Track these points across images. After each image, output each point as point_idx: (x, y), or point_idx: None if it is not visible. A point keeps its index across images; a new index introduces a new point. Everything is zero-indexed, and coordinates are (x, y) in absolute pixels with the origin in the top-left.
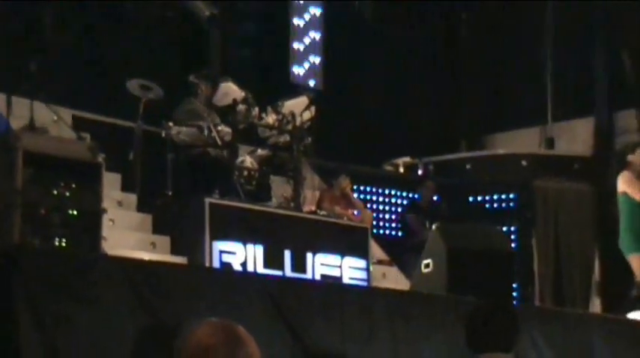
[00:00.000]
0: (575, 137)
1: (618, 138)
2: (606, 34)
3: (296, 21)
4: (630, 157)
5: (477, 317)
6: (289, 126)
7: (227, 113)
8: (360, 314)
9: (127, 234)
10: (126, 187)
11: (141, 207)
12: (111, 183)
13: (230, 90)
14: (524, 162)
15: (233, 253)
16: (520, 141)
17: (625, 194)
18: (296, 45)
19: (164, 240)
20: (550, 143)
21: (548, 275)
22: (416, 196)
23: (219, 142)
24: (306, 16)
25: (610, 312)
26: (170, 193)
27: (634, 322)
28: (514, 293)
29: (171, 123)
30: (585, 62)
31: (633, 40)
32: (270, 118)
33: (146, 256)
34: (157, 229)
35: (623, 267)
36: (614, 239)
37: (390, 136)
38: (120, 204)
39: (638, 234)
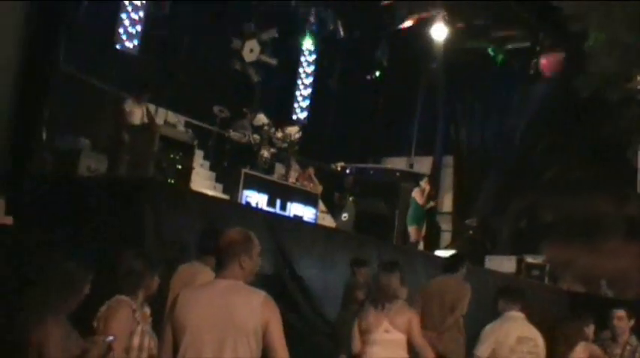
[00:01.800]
0: (424, 165)
1: (443, 169)
2: (445, 114)
3: (298, 93)
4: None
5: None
6: (287, 140)
7: (258, 129)
8: (311, 236)
9: (203, 181)
10: (205, 157)
11: (211, 168)
12: (198, 155)
13: (262, 118)
14: (397, 174)
15: (251, 197)
16: (397, 163)
17: (414, 199)
18: (297, 102)
19: (220, 186)
20: (411, 166)
21: (400, 229)
22: (342, 182)
23: (252, 143)
24: (304, 92)
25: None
26: (226, 164)
27: (436, 255)
28: (383, 236)
29: (231, 130)
30: (434, 126)
31: (457, 120)
32: (279, 134)
33: (210, 193)
34: (217, 180)
35: (435, 229)
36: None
37: (336, 149)
38: (201, 165)
39: (413, 216)
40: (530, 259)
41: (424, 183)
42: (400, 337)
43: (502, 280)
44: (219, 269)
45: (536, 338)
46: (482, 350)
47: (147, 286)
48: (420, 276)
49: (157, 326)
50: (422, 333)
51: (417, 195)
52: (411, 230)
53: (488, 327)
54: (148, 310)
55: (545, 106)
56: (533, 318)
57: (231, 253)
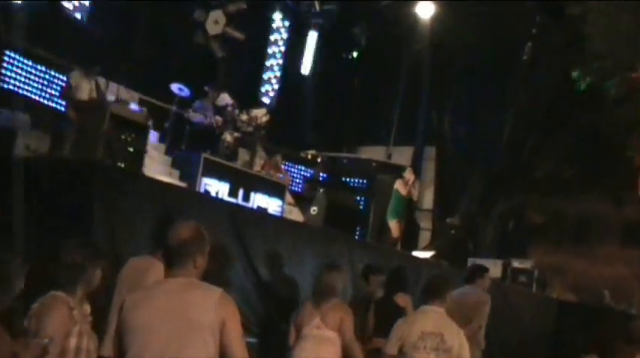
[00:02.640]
0: (403, 156)
1: (424, 161)
2: (428, 101)
3: (265, 76)
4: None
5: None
6: (253, 123)
7: (222, 110)
8: (276, 230)
9: (157, 166)
10: (160, 140)
11: (167, 152)
12: (153, 137)
13: (225, 98)
14: (374, 164)
15: (211, 185)
16: (374, 153)
17: (397, 190)
18: (264, 82)
19: (177, 173)
20: (389, 157)
21: (376, 225)
22: (312, 172)
23: (214, 126)
24: (271, 75)
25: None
26: (183, 147)
27: (414, 256)
28: (357, 232)
29: (191, 111)
30: (414, 114)
31: (439, 108)
32: (244, 117)
33: (165, 180)
34: (173, 165)
35: (415, 227)
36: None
37: (307, 138)
38: (156, 148)
39: (393, 211)
40: (517, 264)
41: (408, 173)
42: (331, 335)
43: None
44: (170, 268)
45: (447, 334)
46: (389, 346)
47: (87, 281)
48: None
49: (99, 325)
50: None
51: (400, 186)
52: (392, 225)
53: (397, 322)
54: (88, 308)
55: (538, 97)
56: (518, 327)
57: (184, 253)
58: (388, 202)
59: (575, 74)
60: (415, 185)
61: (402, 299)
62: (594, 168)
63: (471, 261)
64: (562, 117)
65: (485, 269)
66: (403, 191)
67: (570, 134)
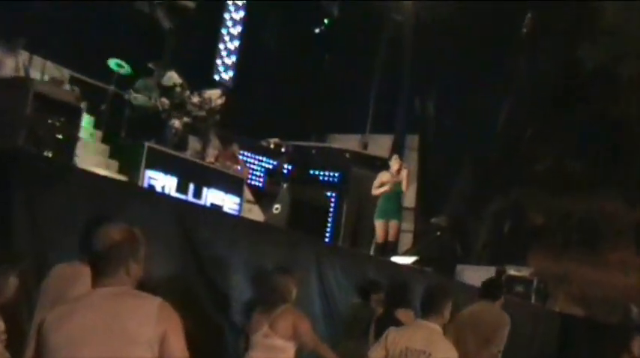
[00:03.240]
0: (381, 145)
1: (406, 150)
2: (409, 84)
3: (221, 46)
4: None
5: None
6: (206, 107)
7: (169, 91)
8: (232, 230)
9: (92, 156)
10: (96, 126)
11: (104, 140)
12: (87, 122)
13: (173, 77)
14: (347, 155)
15: (157, 179)
16: (347, 142)
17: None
18: (219, 58)
19: (115, 164)
20: (365, 146)
21: (349, 227)
22: (275, 164)
23: (160, 109)
24: (229, 45)
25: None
26: (123, 134)
27: (393, 262)
28: (327, 235)
29: (132, 91)
30: (395, 99)
31: (423, 91)
32: (196, 99)
33: (102, 172)
34: (112, 156)
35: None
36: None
37: (269, 123)
38: (91, 135)
39: (378, 209)
40: (513, 271)
41: (394, 161)
42: (281, 343)
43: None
44: (98, 276)
45: (435, 352)
46: (373, 351)
47: None
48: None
49: (15, 343)
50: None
51: (387, 179)
52: (377, 226)
53: (389, 330)
54: (1, 323)
55: (540, 80)
56: (514, 345)
57: (115, 258)
58: (364, 199)
59: (583, 52)
60: (402, 173)
61: (404, 315)
62: (604, 160)
63: (460, 268)
64: (567, 101)
65: (503, 286)
66: (389, 183)
67: (577, 121)
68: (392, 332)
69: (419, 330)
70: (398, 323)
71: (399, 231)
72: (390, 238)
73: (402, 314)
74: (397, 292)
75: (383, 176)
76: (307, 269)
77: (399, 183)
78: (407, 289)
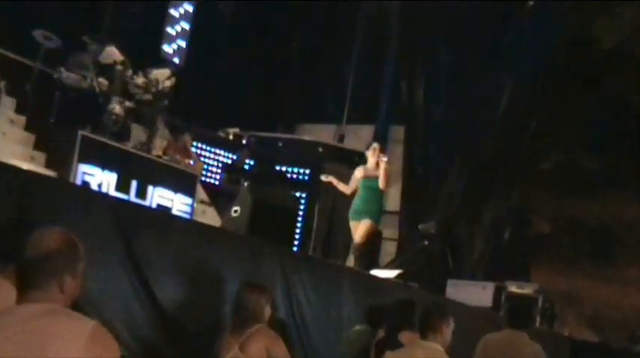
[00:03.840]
0: (360, 138)
1: (389, 144)
2: (393, 67)
3: (172, 12)
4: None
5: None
6: (153, 89)
7: (107, 70)
8: (182, 237)
9: (13, 146)
10: (19, 110)
11: (28, 127)
12: (8, 104)
13: (112, 53)
14: (320, 149)
15: (92, 175)
16: (320, 133)
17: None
18: (169, 30)
19: (42, 156)
20: (341, 139)
21: (321, 233)
22: (235, 158)
23: (97, 90)
24: (181, 10)
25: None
26: (52, 121)
27: (372, 276)
28: (295, 242)
29: (63, 69)
30: (376, 84)
31: (410, 75)
32: (140, 80)
33: (25, 166)
34: (38, 146)
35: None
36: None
37: (228, 110)
38: (12, 121)
39: (352, 210)
40: (514, 288)
41: (372, 152)
42: None
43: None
44: (25, 289)
45: None
46: None
47: None
48: (346, 307)
49: None
50: None
51: (360, 175)
52: (352, 227)
53: (386, 353)
54: None
55: (547, 62)
56: None
57: (46, 271)
58: (339, 200)
59: (598, 29)
60: (380, 166)
61: (409, 337)
62: (622, 157)
63: (451, 284)
64: (579, 87)
65: (532, 314)
66: (360, 178)
67: (590, 110)
68: (389, 356)
69: (418, 351)
70: (399, 346)
71: (371, 233)
72: (358, 240)
73: (406, 336)
74: (400, 312)
75: (358, 172)
76: (272, 282)
77: (375, 179)
78: (412, 309)
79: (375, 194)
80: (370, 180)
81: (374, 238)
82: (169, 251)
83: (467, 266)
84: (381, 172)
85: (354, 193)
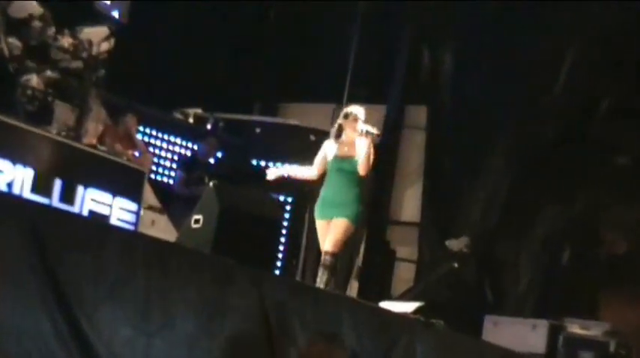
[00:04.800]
0: (366, 122)
1: (405, 131)
2: (411, 27)
3: None
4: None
5: None
6: (84, 54)
7: (21, 26)
8: (119, 258)
9: None
10: None
11: None
12: None
13: (27, 4)
14: (312, 137)
15: (1, 171)
16: (313, 116)
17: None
18: None
19: None
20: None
21: (313, 251)
22: (196, 149)
23: (6, 54)
24: None
25: (363, 297)
26: None
27: (381, 310)
28: (277, 264)
29: None
30: (388, 51)
31: (434, 37)
32: (66, 41)
33: None
34: None
35: (385, 255)
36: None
37: (187, 85)
38: None
39: (318, 204)
40: (576, 328)
41: (350, 120)
42: None
43: None
44: None
45: None
46: None
47: None
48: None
49: None
50: None
51: (342, 152)
52: (318, 228)
53: None
54: None
55: (624, 24)
56: None
57: None
58: None
59: None
60: (361, 141)
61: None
62: None
63: (489, 321)
64: None
65: None
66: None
67: None
68: None
69: None
70: None
71: (348, 237)
72: (329, 248)
73: None
74: None
75: (327, 148)
76: (246, 317)
77: (351, 160)
78: None
79: (351, 181)
80: (345, 160)
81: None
82: (107, 277)
83: (511, 297)
84: (363, 150)
85: (321, 179)
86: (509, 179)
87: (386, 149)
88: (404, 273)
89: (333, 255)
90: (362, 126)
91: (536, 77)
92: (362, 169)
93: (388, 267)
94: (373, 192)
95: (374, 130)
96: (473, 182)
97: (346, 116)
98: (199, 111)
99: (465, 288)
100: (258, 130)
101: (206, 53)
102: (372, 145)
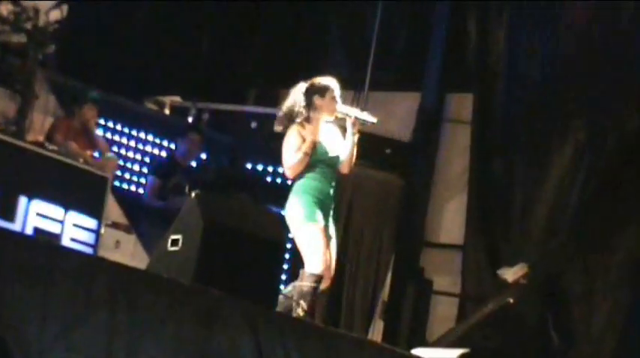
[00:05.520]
0: (394, 114)
1: (445, 125)
2: None
3: None
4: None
5: None
6: (28, 25)
7: None
8: (74, 289)
9: None
10: None
11: None
12: None
13: None
14: None
15: None
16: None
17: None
18: None
19: None
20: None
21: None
22: (174, 148)
23: None
24: None
25: (390, 342)
26: None
27: None
28: (278, 295)
29: None
30: (423, 23)
31: (483, 5)
32: (4, 8)
33: None
34: None
35: (418, 287)
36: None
37: (163, 67)
38: None
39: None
40: None
41: (327, 96)
42: None
43: None
44: None
45: None
46: None
47: None
48: None
49: None
50: None
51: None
52: (312, 232)
53: None
54: None
55: None
56: None
57: None
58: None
59: None
60: (349, 131)
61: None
62: None
63: None
64: None
65: None
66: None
67: None
68: None
69: None
70: None
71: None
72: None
73: None
74: None
75: (300, 129)
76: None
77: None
78: None
79: (336, 181)
80: (333, 156)
81: None
82: (57, 317)
83: (583, 341)
84: (349, 142)
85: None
86: (580, 189)
87: (420, 149)
88: (443, 310)
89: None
90: (345, 108)
91: (620, 58)
92: (347, 167)
93: (422, 302)
94: (403, 206)
95: (371, 119)
96: (532, 192)
97: (321, 92)
98: (178, 99)
99: (523, 330)
100: (253, 124)
101: (189, 25)
102: (356, 123)
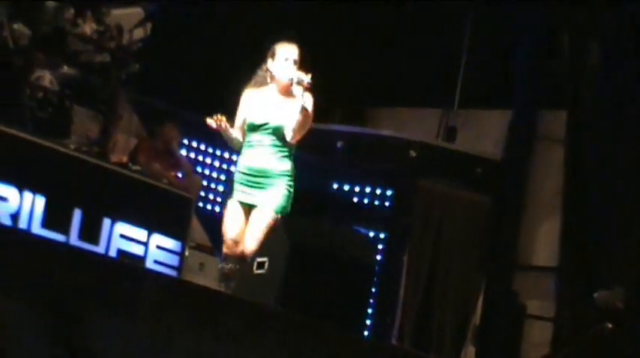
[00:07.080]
0: (485, 132)
1: (537, 144)
2: (543, 6)
3: None
4: None
5: None
6: (112, 44)
7: (30, 8)
8: (158, 315)
9: None
10: None
11: None
12: None
13: None
14: (412, 152)
15: (4, 199)
16: (413, 124)
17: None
18: None
19: None
20: (452, 134)
21: (414, 303)
22: None
23: (10, 45)
24: None
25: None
26: None
27: None
28: (367, 321)
29: None
30: (512, 38)
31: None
32: (88, 27)
33: None
34: None
35: (511, 310)
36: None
37: (240, 84)
38: None
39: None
40: None
41: (281, 58)
42: None
43: None
44: None
45: None
46: None
47: None
48: None
49: None
50: None
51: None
52: (231, 213)
53: None
54: None
55: None
56: None
57: None
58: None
59: None
60: (298, 94)
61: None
62: None
63: None
64: None
65: None
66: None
67: None
68: None
69: None
70: None
71: (268, 233)
72: (244, 249)
73: None
74: None
75: (248, 95)
76: None
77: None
78: None
79: (282, 149)
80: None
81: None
82: (139, 343)
83: None
84: (299, 107)
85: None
86: None
87: (512, 168)
88: (537, 335)
89: (245, 257)
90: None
91: None
92: (296, 134)
93: (516, 327)
94: (495, 228)
95: (304, 77)
96: (630, 213)
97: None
98: None
99: (621, 356)
100: (340, 144)
101: (262, 36)
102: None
